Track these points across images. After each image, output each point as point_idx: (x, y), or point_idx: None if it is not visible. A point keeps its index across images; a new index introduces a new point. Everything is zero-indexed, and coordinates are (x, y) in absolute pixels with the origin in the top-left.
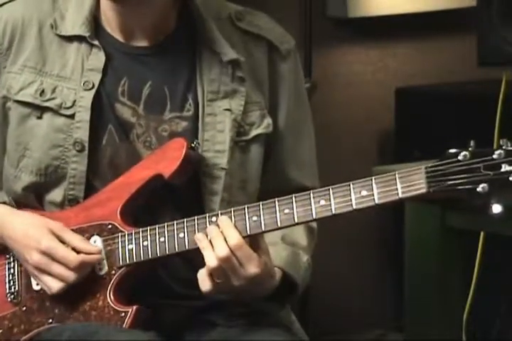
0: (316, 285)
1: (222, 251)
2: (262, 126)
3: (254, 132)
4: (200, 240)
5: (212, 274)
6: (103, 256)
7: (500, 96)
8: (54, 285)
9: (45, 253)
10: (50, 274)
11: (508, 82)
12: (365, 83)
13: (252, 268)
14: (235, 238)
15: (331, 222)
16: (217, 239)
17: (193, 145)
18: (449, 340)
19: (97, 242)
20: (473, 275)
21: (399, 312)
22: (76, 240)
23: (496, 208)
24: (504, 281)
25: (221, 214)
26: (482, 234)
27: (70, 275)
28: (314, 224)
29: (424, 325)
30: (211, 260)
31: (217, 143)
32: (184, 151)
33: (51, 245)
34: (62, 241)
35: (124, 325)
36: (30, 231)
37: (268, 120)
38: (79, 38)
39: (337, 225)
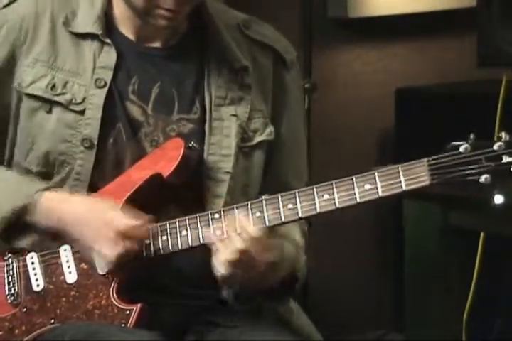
0: (317, 285)
1: (240, 244)
2: (265, 133)
3: (257, 139)
4: (211, 236)
5: (231, 266)
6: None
7: (501, 96)
8: (111, 253)
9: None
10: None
11: (508, 82)
12: (365, 83)
13: (269, 256)
14: (253, 230)
15: (332, 221)
16: (233, 233)
17: (190, 145)
18: (449, 340)
19: None
20: (473, 275)
21: (399, 312)
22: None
23: (498, 199)
24: (504, 281)
25: (223, 211)
26: (482, 234)
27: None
28: (306, 228)
29: (424, 325)
30: (230, 253)
31: (223, 147)
32: (182, 151)
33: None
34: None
35: (128, 323)
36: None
37: (270, 128)
38: (91, 36)
39: (337, 225)
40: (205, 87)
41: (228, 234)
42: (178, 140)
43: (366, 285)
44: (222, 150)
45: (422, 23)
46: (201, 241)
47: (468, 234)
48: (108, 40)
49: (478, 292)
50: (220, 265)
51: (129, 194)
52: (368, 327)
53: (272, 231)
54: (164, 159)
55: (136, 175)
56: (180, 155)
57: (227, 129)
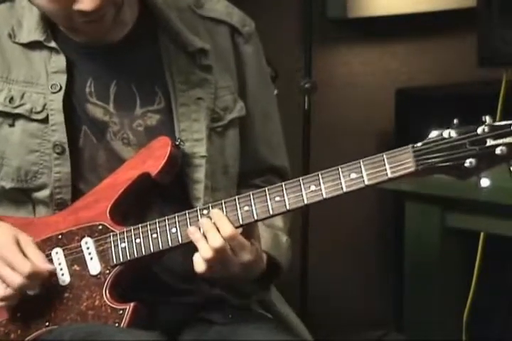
0: (317, 285)
1: (217, 242)
2: (236, 110)
3: (229, 117)
4: (193, 233)
5: (207, 263)
6: (54, 270)
7: (500, 96)
8: (1, 292)
9: (1, 258)
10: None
11: (508, 82)
12: (365, 83)
13: (246, 256)
14: (228, 229)
15: (332, 221)
16: (210, 231)
17: (177, 143)
18: (449, 340)
19: (88, 243)
20: (473, 276)
21: (399, 312)
22: (35, 254)
23: (485, 182)
24: (504, 281)
25: (212, 206)
26: (482, 234)
27: (19, 282)
28: None
29: (424, 325)
30: (206, 251)
31: (194, 132)
32: (169, 149)
33: (10, 253)
34: (24, 254)
35: (122, 323)
36: None
37: (240, 103)
38: (37, 44)
39: (337, 225)
40: (166, 74)
41: (205, 232)
42: (165, 138)
43: (366, 285)
44: (193, 135)
45: (422, 23)
46: (187, 240)
47: (468, 235)
48: (53, 45)
49: (478, 292)
50: (196, 262)
51: (117, 195)
52: (368, 327)
53: (251, 227)
54: (151, 158)
55: (124, 175)
56: (167, 154)
57: (196, 113)
